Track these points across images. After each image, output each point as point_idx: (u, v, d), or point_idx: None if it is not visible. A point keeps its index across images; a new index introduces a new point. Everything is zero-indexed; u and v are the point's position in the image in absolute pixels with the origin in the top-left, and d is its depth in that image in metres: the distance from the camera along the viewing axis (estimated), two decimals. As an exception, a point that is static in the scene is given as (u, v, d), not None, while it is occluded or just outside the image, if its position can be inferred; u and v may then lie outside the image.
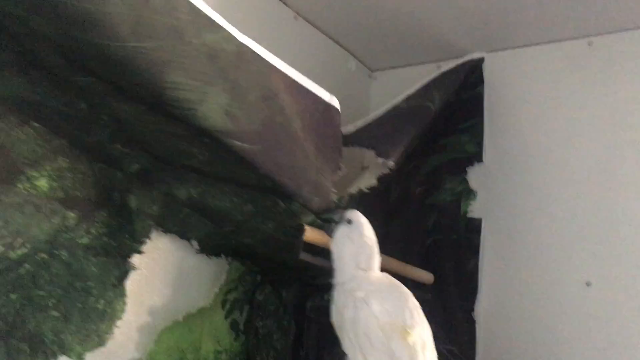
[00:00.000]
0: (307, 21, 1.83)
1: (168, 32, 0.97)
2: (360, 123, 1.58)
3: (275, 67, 1.13)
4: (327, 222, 1.26)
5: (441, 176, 1.83)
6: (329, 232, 1.25)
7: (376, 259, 1.23)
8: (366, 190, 1.42)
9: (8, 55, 1.00)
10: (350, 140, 1.41)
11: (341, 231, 1.23)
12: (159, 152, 1.16)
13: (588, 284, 1.60)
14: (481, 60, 1.87)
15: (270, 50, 1.16)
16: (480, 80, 1.86)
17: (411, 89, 1.67)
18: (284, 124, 1.12)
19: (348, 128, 1.57)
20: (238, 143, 1.05)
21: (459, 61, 1.84)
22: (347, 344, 1.18)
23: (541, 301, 1.66)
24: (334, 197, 1.24)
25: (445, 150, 1.83)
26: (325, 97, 1.24)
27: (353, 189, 1.36)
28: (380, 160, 1.46)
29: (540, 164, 1.74)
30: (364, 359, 1.15)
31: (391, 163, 1.47)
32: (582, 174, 1.67)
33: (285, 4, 1.75)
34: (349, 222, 1.23)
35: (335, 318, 1.20)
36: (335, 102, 1.26)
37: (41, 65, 1.02)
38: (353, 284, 1.18)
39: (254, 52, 1.09)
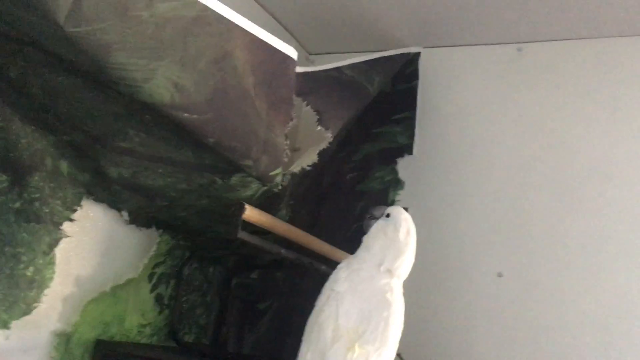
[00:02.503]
0: (252, -2, 1.82)
1: (111, 10, 0.93)
2: (309, 69, 1.54)
3: (236, 25, 1.11)
4: (367, 218, 1.24)
5: (372, 164, 1.87)
6: (366, 228, 1.23)
7: (403, 262, 1.18)
8: (308, 168, 1.42)
9: None
10: (297, 87, 1.34)
11: (377, 224, 1.21)
12: (92, 130, 1.11)
13: (500, 275, 1.69)
14: (417, 54, 1.92)
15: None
16: (415, 74, 1.89)
17: (355, 59, 1.68)
18: (235, 85, 1.11)
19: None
20: (186, 115, 1.03)
21: (398, 51, 1.88)
22: (304, 331, 1.11)
23: (455, 290, 1.73)
24: (287, 153, 1.22)
25: (378, 139, 1.87)
26: (282, 48, 1.22)
27: (296, 169, 1.36)
28: (319, 128, 1.45)
29: (464, 159, 1.81)
30: (306, 350, 1.08)
31: (329, 136, 1.47)
32: (501, 171, 1.76)
33: (232, -22, 1.73)
34: (388, 215, 1.21)
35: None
36: (291, 51, 1.24)
37: None
38: (342, 274, 1.14)
39: (217, 13, 1.06)
